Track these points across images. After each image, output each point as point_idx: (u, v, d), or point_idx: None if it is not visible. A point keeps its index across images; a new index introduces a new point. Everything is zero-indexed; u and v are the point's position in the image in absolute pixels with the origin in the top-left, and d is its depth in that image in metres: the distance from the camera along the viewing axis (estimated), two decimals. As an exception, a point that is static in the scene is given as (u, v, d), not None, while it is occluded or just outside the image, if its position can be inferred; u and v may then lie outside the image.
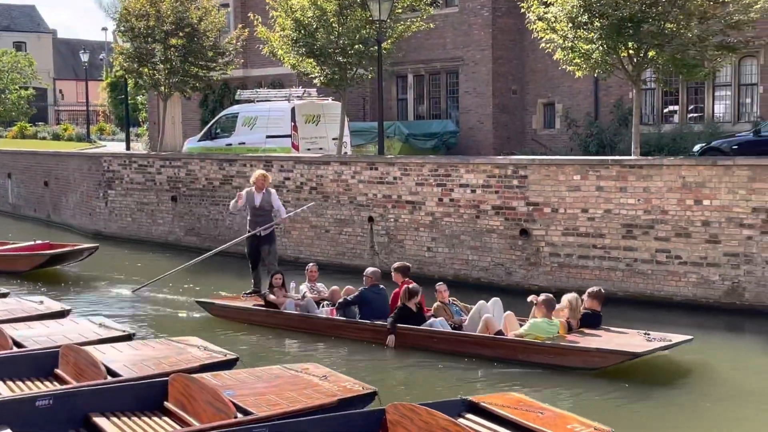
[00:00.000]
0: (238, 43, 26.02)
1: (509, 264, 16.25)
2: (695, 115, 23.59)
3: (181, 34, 24.35)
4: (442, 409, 7.07)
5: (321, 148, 22.64)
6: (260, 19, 21.56)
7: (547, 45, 17.26)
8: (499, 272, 16.20)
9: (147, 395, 7.99)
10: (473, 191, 16.75)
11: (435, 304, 12.29)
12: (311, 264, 14.37)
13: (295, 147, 22.40)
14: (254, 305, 13.69)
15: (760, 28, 19.74)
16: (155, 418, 7.77)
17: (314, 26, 20.16)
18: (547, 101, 26.12)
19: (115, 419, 7.65)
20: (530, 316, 11.45)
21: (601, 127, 24.17)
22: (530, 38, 20.60)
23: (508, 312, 11.73)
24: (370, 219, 18.30)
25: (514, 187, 16.20)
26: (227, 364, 9.21)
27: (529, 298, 11.50)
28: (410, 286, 12.07)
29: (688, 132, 22.32)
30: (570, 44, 16.63)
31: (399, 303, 12.01)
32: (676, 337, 11.00)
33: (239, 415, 7.29)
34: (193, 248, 21.68)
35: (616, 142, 23.16)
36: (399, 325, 11.76)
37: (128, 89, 36.06)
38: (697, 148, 18.12)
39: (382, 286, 12.80)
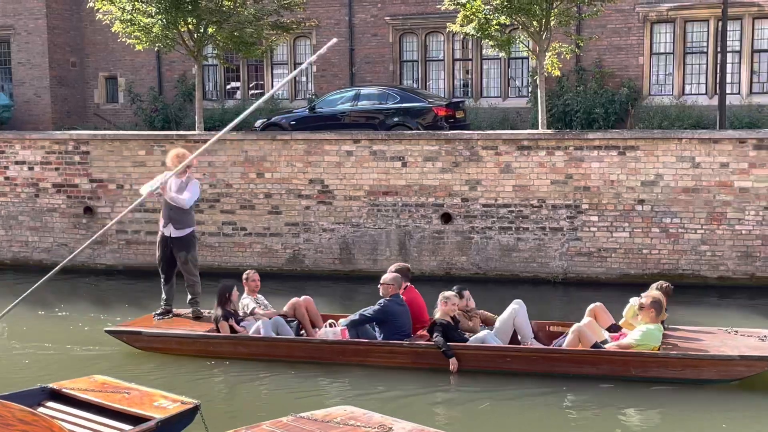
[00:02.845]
0: None
1: (74, 243, 15.65)
2: (257, 91, 24.55)
3: None
4: (19, 399, 6.67)
5: None
6: None
7: (105, 17, 16.84)
8: (63, 252, 15.53)
9: None
10: (31, 168, 15.84)
11: (438, 314, 9.75)
12: (251, 271, 11.04)
13: None
14: (207, 331, 10.28)
15: (311, 10, 21.13)
16: None
17: None
18: (109, 75, 25.40)
19: None
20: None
21: (166, 102, 24.15)
22: (87, 8, 19.88)
23: (589, 319, 9.61)
24: None
25: (75, 164, 15.63)
26: None
27: (632, 300, 9.69)
28: (446, 293, 9.70)
29: (250, 108, 23.17)
30: (129, 17, 16.39)
31: (437, 316, 9.58)
32: None
33: None
34: None
35: (181, 117, 23.31)
36: (450, 343, 9.35)
37: None
38: (258, 123, 18.94)
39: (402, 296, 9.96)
